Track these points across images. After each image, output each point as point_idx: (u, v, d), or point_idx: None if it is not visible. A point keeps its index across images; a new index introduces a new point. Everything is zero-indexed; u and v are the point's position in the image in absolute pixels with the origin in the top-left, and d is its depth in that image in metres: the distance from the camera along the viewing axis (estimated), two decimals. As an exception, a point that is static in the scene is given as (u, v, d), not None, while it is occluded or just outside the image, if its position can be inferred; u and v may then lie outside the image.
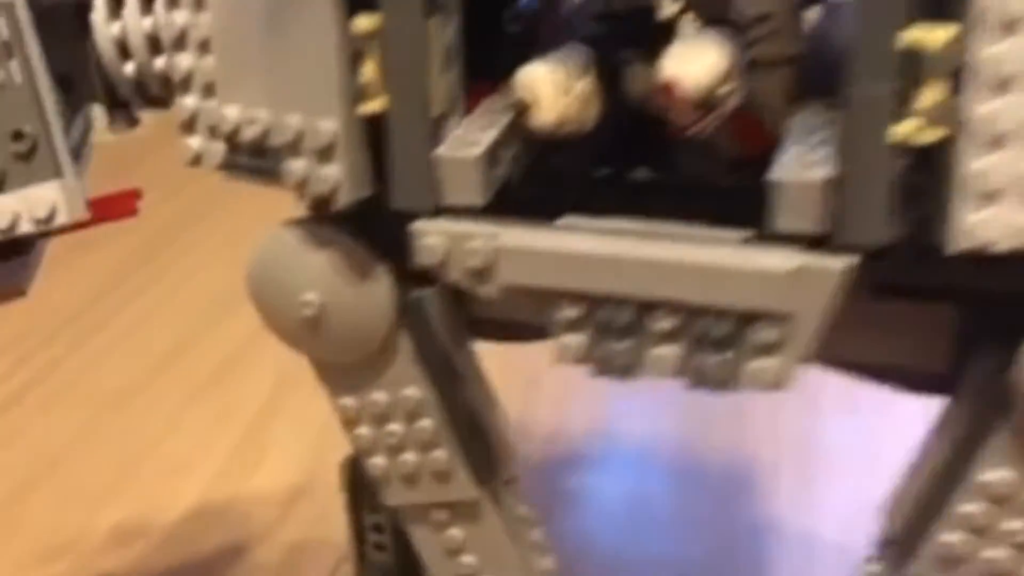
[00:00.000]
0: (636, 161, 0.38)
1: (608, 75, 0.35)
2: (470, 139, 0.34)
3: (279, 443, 0.77)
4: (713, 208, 0.34)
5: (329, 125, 0.34)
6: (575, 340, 0.33)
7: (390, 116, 0.33)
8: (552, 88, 0.34)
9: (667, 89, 0.33)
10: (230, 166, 0.37)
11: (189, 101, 0.38)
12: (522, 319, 0.39)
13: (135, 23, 0.38)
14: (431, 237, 0.34)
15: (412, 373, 0.39)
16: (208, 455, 0.76)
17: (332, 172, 0.35)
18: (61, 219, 0.36)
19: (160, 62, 0.39)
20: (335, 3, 0.33)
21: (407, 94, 0.33)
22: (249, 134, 0.35)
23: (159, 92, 0.40)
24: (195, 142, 0.38)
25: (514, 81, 0.34)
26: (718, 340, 0.32)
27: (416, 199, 0.34)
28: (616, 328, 0.32)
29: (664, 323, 0.32)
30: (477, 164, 0.33)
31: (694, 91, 0.33)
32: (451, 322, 0.39)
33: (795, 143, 0.32)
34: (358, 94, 0.34)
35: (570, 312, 0.33)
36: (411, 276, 0.37)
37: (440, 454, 0.39)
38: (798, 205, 0.30)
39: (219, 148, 0.38)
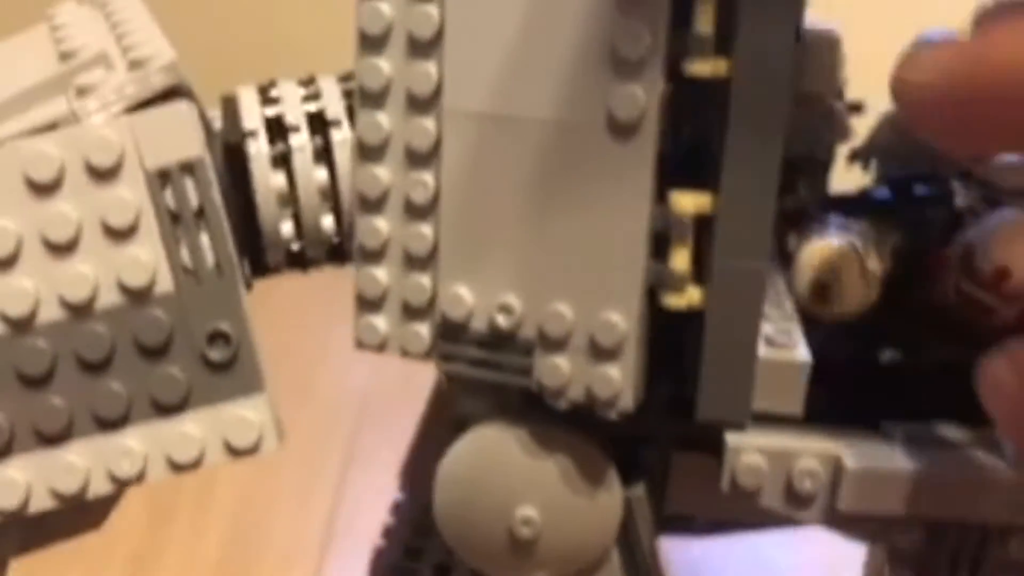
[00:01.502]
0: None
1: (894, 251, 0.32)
2: (781, 335, 0.29)
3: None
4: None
5: (619, 320, 0.28)
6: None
7: (710, 313, 0.28)
8: (860, 274, 0.30)
9: (999, 276, 0.30)
10: (443, 355, 0.30)
11: (380, 273, 0.30)
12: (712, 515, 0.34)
13: (308, 173, 0.30)
14: (753, 456, 0.28)
15: (617, 592, 0.33)
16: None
17: (614, 374, 0.28)
18: (268, 446, 0.27)
19: (328, 222, 0.31)
20: (650, 175, 0.27)
21: (738, 285, 0.27)
22: (502, 324, 0.29)
23: (313, 255, 0.32)
24: (381, 323, 0.30)
25: (804, 258, 0.30)
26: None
27: (733, 410, 0.28)
28: (958, 557, 0.28)
29: (1019, 552, 0.28)
30: (806, 369, 0.28)
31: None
32: (652, 524, 0.33)
33: None
34: (658, 285, 0.28)
35: (907, 540, 0.28)
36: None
37: None
38: None
39: (421, 333, 0.30)
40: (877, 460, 0.28)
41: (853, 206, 0.35)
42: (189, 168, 0.26)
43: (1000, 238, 0.30)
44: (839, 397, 0.31)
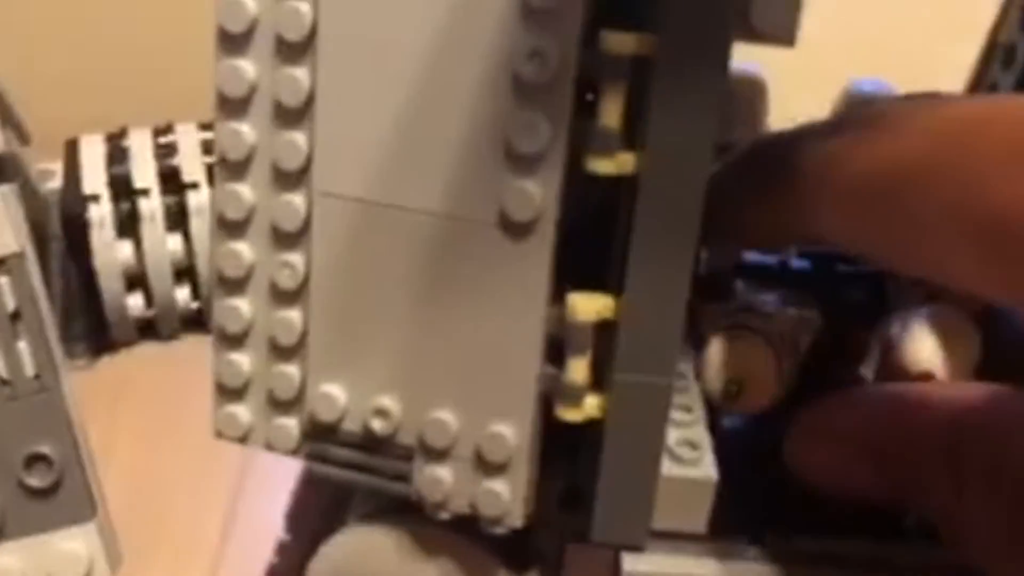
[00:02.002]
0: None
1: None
2: (685, 448, 0.26)
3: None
4: None
5: (509, 433, 0.25)
6: None
7: (609, 429, 0.25)
8: (775, 371, 0.27)
9: (922, 379, 0.27)
10: (312, 456, 0.27)
11: (241, 360, 0.26)
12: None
13: (159, 243, 0.26)
14: (651, 583, 0.26)
15: None
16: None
17: (502, 490, 0.25)
18: (99, 582, 0.23)
19: (183, 294, 0.27)
20: (546, 277, 0.24)
21: (641, 401, 0.24)
22: (378, 429, 0.25)
23: (168, 329, 0.28)
24: (243, 413, 0.27)
25: (715, 353, 0.27)
26: None
27: (631, 533, 0.25)
28: None
29: None
30: (713, 487, 0.26)
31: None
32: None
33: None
34: (552, 393, 0.25)
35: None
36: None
37: None
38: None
39: (289, 428, 0.27)
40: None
41: (769, 276, 0.32)
42: (5, 265, 0.22)
43: (925, 343, 0.27)
44: (748, 498, 0.28)
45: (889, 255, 0.24)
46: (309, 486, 0.40)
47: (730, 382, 0.27)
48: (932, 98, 0.24)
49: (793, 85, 0.36)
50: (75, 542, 0.23)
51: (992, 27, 0.36)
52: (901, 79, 0.35)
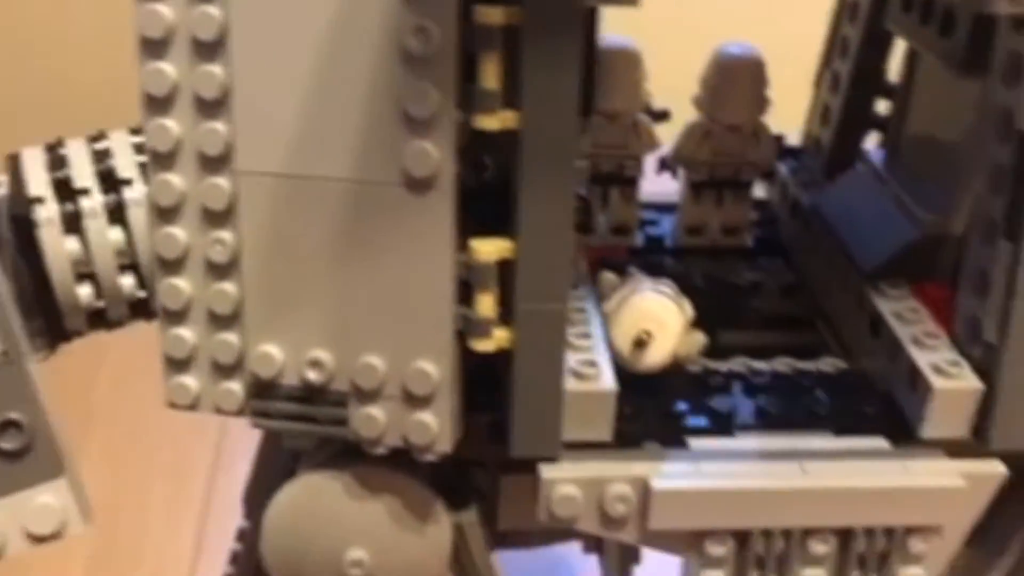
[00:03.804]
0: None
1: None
2: (586, 366, 0.30)
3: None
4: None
5: (431, 368, 0.28)
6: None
7: (517, 354, 0.28)
8: (678, 326, 0.31)
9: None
10: (256, 412, 0.30)
11: (185, 333, 0.29)
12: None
13: (103, 236, 0.29)
14: (567, 487, 0.29)
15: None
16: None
17: (429, 420, 0.29)
18: (73, 529, 0.26)
19: (129, 282, 0.30)
20: (450, 227, 0.27)
21: (543, 327, 0.28)
22: (314, 379, 0.28)
23: (117, 316, 0.31)
24: (191, 382, 0.30)
25: (629, 308, 0.31)
26: (868, 558, 0.30)
27: (544, 444, 0.29)
28: (765, 559, 0.30)
29: (818, 549, 0.30)
30: (613, 398, 0.29)
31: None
32: (486, 545, 0.34)
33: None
34: (466, 330, 0.28)
35: (718, 550, 0.30)
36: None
37: None
38: (950, 413, 0.30)
39: (233, 391, 0.30)
40: (681, 479, 0.29)
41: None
42: (-32, 256, 0.25)
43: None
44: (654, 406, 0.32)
45: None
46: (261, 469, 0.43)
47: (643, 331, 0.31)
48: None
49: (665, 55, 0.40)
50: (47, 496, 0.26)
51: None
52: (764, 42, 0.39)
